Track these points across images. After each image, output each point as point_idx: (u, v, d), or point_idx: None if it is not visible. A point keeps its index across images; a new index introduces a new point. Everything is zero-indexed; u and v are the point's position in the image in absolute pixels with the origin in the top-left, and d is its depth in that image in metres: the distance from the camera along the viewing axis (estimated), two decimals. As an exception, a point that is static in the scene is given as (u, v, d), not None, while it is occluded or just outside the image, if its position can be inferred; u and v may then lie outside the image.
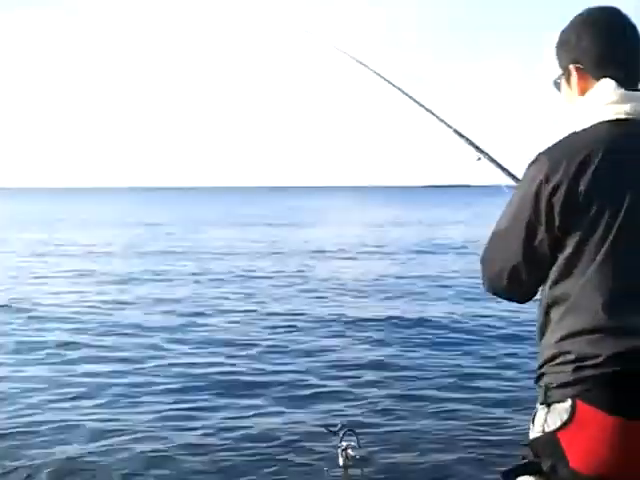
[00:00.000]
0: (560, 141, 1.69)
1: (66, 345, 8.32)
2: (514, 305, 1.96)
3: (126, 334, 8.96)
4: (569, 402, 1.55)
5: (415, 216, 40.93)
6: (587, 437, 1.52)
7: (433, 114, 2.41)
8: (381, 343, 8.37)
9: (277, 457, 4.57)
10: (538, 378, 1.67)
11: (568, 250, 1.62)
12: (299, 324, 9.51)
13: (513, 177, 2.16)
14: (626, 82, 1.68)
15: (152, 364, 7.45)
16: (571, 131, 1.69)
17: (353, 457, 3.10)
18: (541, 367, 1.66)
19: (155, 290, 12.85)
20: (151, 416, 5.72)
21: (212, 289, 13.08)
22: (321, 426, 4.21)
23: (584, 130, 1.66)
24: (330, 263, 17.34)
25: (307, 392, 6.34)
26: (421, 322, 9.56)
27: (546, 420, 1.60)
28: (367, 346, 8.24)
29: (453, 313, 10.21)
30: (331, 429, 3.10)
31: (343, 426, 3.48)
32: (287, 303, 11.35)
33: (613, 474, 1.52)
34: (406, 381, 6.66)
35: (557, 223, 1.61)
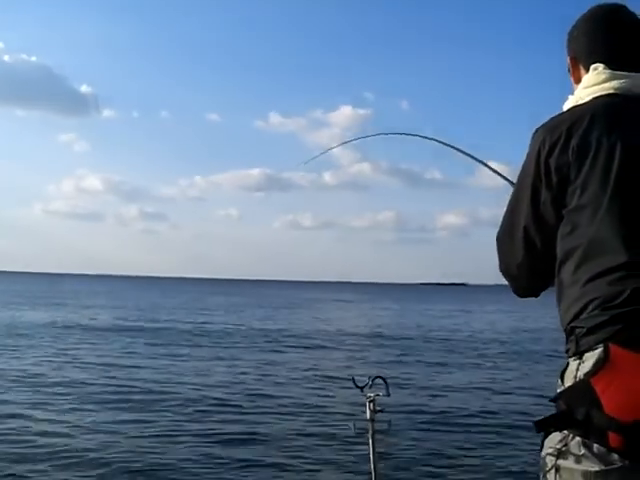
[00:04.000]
0: (556, 115, 1.80)
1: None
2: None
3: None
4: (601, 347, 1.51)
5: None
6: (622, 381, 1.46)
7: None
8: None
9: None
10: (568, 338, 1.64)
11: (572, 203, 1.68)
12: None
13: None
14: (616, 65, 1.79)
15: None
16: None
17: (380, 409, 3.15)
18: (569, 326, 1.63)
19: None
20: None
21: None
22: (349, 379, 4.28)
23: (578, 105, 1.79)
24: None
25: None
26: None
27: (578, 369, 1.56)
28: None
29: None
30: (359, 385, 3.15)
31: (371, 376, 3.49)
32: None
33: None
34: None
35: (555, 179, 1.70)
